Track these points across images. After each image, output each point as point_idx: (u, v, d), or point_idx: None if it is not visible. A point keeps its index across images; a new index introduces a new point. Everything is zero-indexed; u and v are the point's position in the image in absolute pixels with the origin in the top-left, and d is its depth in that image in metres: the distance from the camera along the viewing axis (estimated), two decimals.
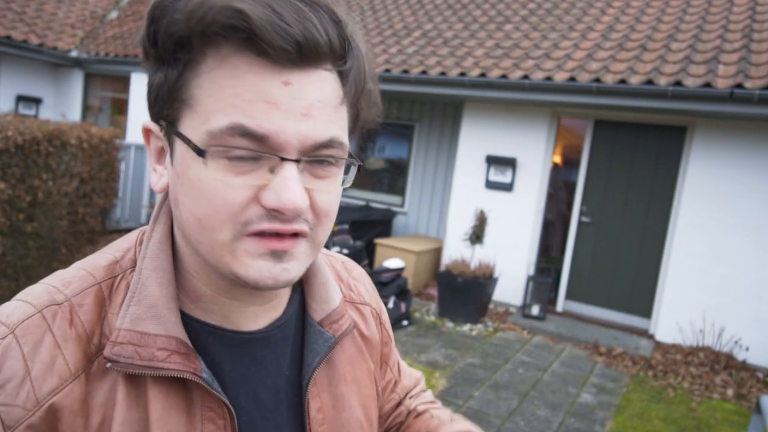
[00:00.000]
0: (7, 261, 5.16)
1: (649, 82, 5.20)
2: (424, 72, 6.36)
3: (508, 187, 6.36)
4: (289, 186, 0.53)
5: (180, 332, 0.59)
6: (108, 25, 9.90)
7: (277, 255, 0.55)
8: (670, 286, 5.59)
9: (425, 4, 8.15)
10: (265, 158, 0.53)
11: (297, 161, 0.54)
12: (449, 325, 5.76)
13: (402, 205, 7.75)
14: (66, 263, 5.83)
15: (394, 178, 7.90)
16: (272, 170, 0.54)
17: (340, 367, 0.73)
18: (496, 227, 6.26)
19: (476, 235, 5.84)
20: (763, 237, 5.18)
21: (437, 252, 7.07)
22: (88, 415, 0.55)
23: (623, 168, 6.06)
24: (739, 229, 5.28)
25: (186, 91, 0.54)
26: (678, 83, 5.08)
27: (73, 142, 5.65)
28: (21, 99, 8.85)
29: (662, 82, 5.16)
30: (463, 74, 6.14)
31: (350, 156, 0.60)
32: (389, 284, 5.67)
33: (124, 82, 9.18)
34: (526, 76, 5.81)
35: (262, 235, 0.55)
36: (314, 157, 0.55)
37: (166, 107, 0.56)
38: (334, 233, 6.10)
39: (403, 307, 5.59)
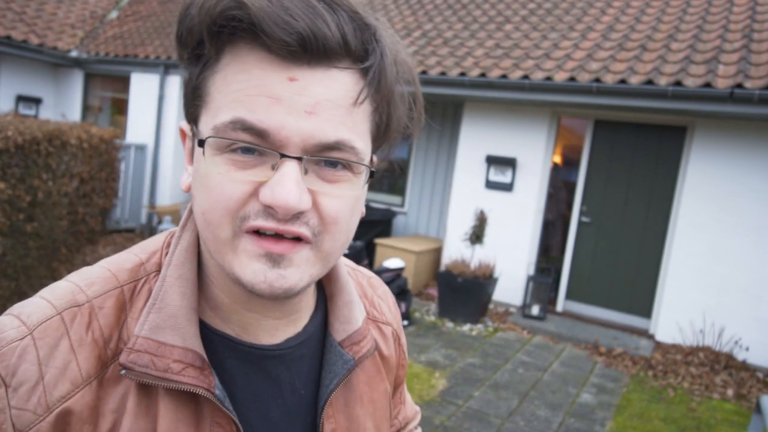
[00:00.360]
0: (7, 261, 5.16)
1: (649, 82, 5.20)
2: (424, 72, 6.36)
3: (508, 187, 6.36)
4: (285, 183, 0.51)
5: (197, 345, 0.58)
6: (108, 25, 9.90)
7: (274, 259, 0.54)
8: (670, 286, 5.59)
9: (425, 4, 8.15)
10: (269, 155, 0.53)
11: (299, 159, 0.52)
12: (449, 325, 5.76)
13: (402, 205, 7.75)
14: (66, 263, 5.84)
15: (394, 178, 7.90)
16: (274, 167, 0.53)
17: (358, 388, 0.72)
18: (496, 227, 6.26)
19: (476, 235, 5.84)
20: (763, 237, 5.18)
21: (437, 252, 7.07)
22: (97, 421, 0.54)
23: (623, 168, 6.06)
24: (739, 229, 5.27)
25: (204, 88, 0.55)
26: (678, 83, 5.08)
27: (73, 142, 5.65)
28: (21, 99, 8.85)
29: (662, 82, 5.16)
30: (463, 74, 6.14)
31: (366, 162, 0.57)
32: (389, 284, 5.67)
33: (124, 82, 9.17)
34: (526, 76, 5.81)
35: (260, 235, 0.54)
36: (319, 157, 0.54)
37: (191, 106, 0.57)
38: None
39: (403, 307, 5.59)
